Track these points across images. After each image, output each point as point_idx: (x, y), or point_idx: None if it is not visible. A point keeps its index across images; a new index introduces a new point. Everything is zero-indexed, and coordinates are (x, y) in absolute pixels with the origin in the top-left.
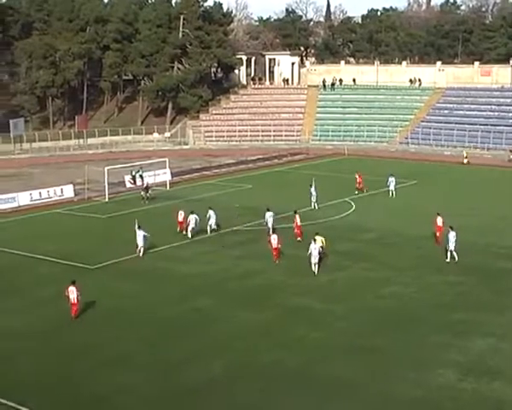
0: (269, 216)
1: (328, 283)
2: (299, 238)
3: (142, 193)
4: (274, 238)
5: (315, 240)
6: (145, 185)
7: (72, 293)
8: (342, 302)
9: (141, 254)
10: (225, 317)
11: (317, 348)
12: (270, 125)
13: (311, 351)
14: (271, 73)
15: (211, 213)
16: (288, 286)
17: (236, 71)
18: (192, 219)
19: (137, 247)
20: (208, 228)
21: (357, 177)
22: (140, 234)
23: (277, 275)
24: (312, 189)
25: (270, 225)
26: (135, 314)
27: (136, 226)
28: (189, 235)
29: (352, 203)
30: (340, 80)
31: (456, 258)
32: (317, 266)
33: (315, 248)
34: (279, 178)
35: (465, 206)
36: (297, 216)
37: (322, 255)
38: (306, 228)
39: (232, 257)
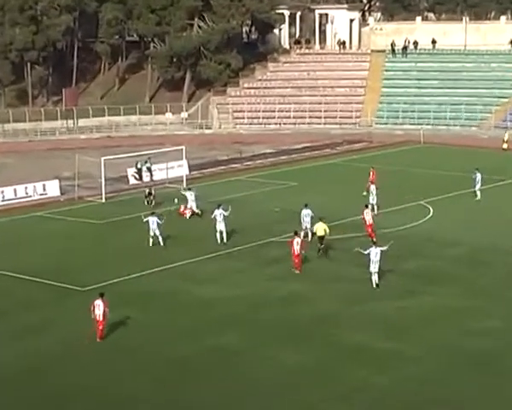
0: (305, 215)
1: (395, 313)
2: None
3: (147, 200)
4: (297, 242)
5: (375, 243)
6: (148, 191)
7: (99, 308)
8: (415, 340)
9: (161, 243)
10: (258, 358)
11: (382, 401)
12: (320, 104)
13: (376, 404)
14: (322, 33)
15: (216, 214)
16: (343, 317)
17: (276, 31)
18: (152, 222)
19: (151, 238)
20: (217, 235)
21: (370, 173)
22: (153, 221)
23: (328, 302)
24: (373, 187)
25: (308, 225)
26: (137, 353)
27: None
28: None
29: (430, 207)
30: (415, 43)
31: None
32: (376, 275)
33: (376, 254)
34: (332, 173)
35: None
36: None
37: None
38: (366, 239)
39: (268, 277)
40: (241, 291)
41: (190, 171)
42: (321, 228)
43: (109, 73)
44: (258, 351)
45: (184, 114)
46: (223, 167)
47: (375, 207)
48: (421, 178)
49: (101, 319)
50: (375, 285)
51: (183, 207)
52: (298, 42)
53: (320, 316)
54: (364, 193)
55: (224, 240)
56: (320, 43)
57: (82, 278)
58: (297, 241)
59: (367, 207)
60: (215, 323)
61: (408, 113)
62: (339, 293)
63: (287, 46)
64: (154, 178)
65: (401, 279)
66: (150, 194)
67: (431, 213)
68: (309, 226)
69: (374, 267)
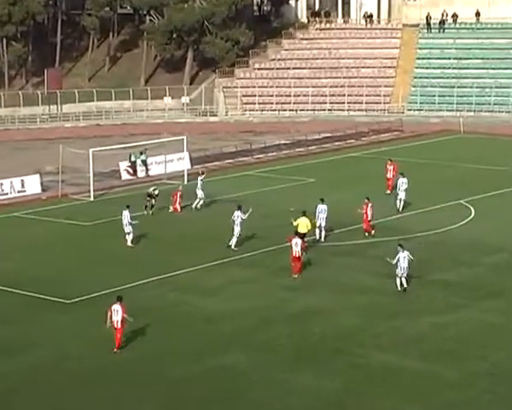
0: (321, 210)
1: (431, 330)
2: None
3: (147, 203)
4: (296, 243)
5: (402, 247)
6: (149, 192)
7: (116, 314)
8: (452, 362)
9: (128, 242)
10: (268, 381)
11: None
12: (343, 87)
13: None
14: (346, 4)
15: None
16: (368, 334)
17: (292, 2)
18: (123, 216)
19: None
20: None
21: (388, 167)
22: (125, 215)
23: (350, 316)
24: (402, 180)
25: (322, 223)
26: (132, 375)
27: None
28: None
29: (471, 207)
30: (455, 16)
31: None
32: (403, 280)
33: (404, 258)
34: (356, 167)
35: None
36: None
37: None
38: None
39: (281, 288)
40: (251, 304)
41: (192, 164)
42: (303, 224)
43: (98, 51)
44: (268, 373)
45: (185, 99)
46: (230, 161)
47: (401, 205)
48: (460, 173)
49: (119, 326)
50: (399, 287)
51: (176, 200)
52: (317, 15)
53: (341, 333)
54: (388, 192)
55: (233, 245)
56: (343, 16)
57: (67, 288)
58: (295, 241)
59: (368, 199)
60: (220, 340)
61: (445, 97)
62: (363, 306)
63: (304, 20)
64: (151, 172)
65: (436, 291)
66: (151, 196)
67: (472, 215)
68: (323, 224)
69: (401, 272)
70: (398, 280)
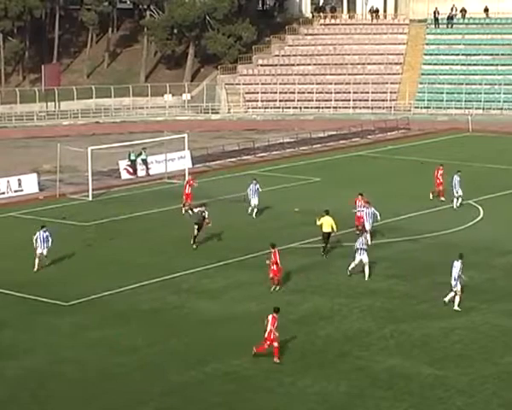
0: (367, 214)
1: (440, 333)
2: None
3: (189, 211)
4: (273, 253)
5: (461, 256)
6: (188, 206)
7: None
8: (462, 367)
9: (35, 267)
10: (272, 386)
11: None
12: (348, 84)
13: None
14: None
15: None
16: (375, 338)
17: None
18: (40, 237)
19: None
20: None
21: (437, 172)
22: (40, 236)
23: (356, 319)
24: (455, 177)
25: (368, 226)
26: (131, 381)
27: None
28: (36, 268)
29: (479, 208)
30: (463, 11)
31: None
32: (453, 294)
33: (458, 269)
34: (362, 166)
35: None
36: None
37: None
38: (403, 245)
39: (286, 291)
40: (254, 307)
41: (194, 163)
42: (327, 223)
43: (97, 46)
44: (272, 377)
45: (186, 96)
46: (232, 159)
47: (458, 201)
48: (469, 172)
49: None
50: (447, 300)
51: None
52: (322, 10)
53: (347, 337)
54: (431, 196)
55: (254, 215)
56: (348, 11)
57: (65, 290)
58: (274, 251)
59: (362, 195)
60: (223, 344)
61: (454, 95)
62: (369, 309)
63: (308, 15)
64: (151, 171)
65: (444, 294)
66: (192, 210)
67: (481, 215)
68: (369, 228)
69: (454, 284)
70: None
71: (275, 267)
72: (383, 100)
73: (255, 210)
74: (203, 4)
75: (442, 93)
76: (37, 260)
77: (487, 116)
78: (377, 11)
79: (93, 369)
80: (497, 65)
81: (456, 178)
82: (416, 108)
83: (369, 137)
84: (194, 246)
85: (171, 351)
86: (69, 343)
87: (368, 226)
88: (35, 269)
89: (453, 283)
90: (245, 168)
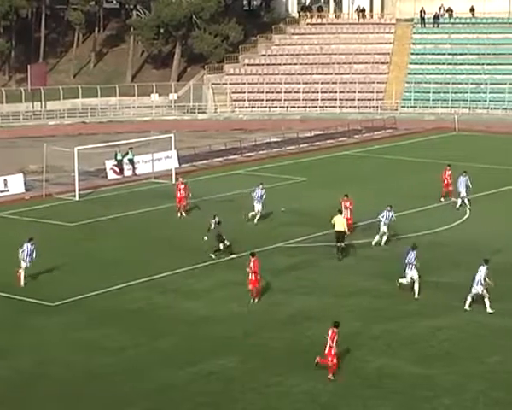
0: (387, 217)
1: (428, 333)
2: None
3: (221, 245)
4: (253, 262)
5: (486, 261)
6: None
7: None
8: (450, 365)
9: (22, 282)
10: (260, 386)
11: None
12: (335, 83)
13: None
14: None
15: None
16: (363, 337)
17: None
18: (27, 250)
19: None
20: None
21: (445, 173)
22: (28, 249)
23: (345, 319)
24: (462, 178)
25: (383, 229)
26: (118, 381)
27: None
28: (22, 282)
29: (467, 207)
30: (449, 10)
31: None
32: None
33: (484, 273)
34: (349, 166)
35: None
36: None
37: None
38: (390, 244)
39: (274, 291)
40: (242, 307)
41: (180, 163)
42: (340, 222)
43: (83, 46)
44: (260, 377)
45: (173, 96)
46: (219, 159)
47: (464, 201)
48: (455, 172)
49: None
50: (467, 306)
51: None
52: (308, 9)
53: None
54: (442, 199)
55: (255, 221)
56: (335, 10)
57: (51, 291)
58: (253, 260)
59: (347, 196)
60: (210, 344)
61: (440, 94)
62: (358, 309)
63: (295, 14)
64: (138, 171)
65: (432, 293)
66: (220, 237)
67: (467, 214)
68: (384, 230)
69: (476, 288)
70: (468, 300)
71: (253, 277)
72: (370, 99)
73: (258, 216)
74: (190, 4)
75: (428, 92)
76: (23, 274)
77: (473, 115)
78: (364, 11)
79: (79, 369)
80: (483, 64)
81: (463, 179)
82: (402, 107)
83: (356, 136)
84: (213, 256)
85: (158, 351)
86: (56, 344)
87: (385, 229)
88: (22, 284)
89: (476, 287)
90: (232, 168)
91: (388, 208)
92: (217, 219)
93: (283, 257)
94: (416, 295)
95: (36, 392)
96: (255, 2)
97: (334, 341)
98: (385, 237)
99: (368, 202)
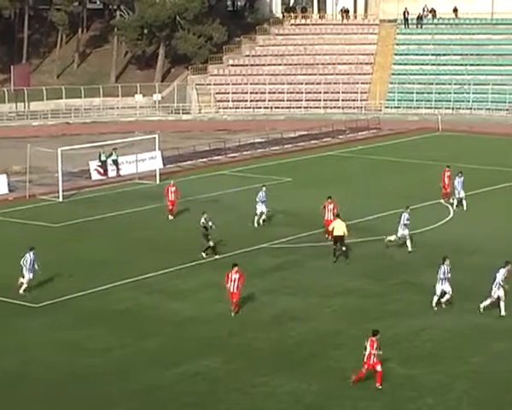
0: (406, 219)
1: (411, 332)
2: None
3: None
4: (234, 279)
5: (507, 263)
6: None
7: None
8: (434, 365)
9: (21, 289)
10: (244, 386)
11: None
12: (319, 84)
13: None
14: None
15: None
16: (347, 337)
17: None
18: (30, 259)
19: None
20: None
21: (444, 174)
22: (30, 257)
23: (328, 319)
24: (458, 180)
25: (404, 232)
26: (103, 382)
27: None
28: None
29: (449, 207)
30: (433, 11)
31: None
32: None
33: (502, 275)
34: (333, 166)
35: None
36: None
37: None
38: (374, 245)
39: (258, 291)
40: (225, 308)
41: (164, 164)
42: (339, 227)
43: (67, 47)
44: (244, 378)
45: (157, 97)
46: (203, 160)
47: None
48: (439, 172)
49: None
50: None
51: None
52: (292, 10)
53: (319, 337)
54: (450, 200)
55: (260, 221)
56: (319, 11)
57: (35, 292)
58: (234, 270)
59: (330, 198)
60: (195, 345)
61: (424, 95)
62: (341, 309)
63: (279, 15)
64: (122, 172)
65: (416, 294)
66: (206, 228)
67: (451, 215)
68: (404, 233)
69: (496, 291)
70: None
71: (235, 289)
72: (354, 100)
73: (263, 217)
74: (173, 4)
75: (412, 93)
76: (25, 286)
77: (457, 116)
78: (347, 11)
79: (64, 370)
80: (466, 65)
81: (459, 180)
82: (386, 107)
83: (340, 137)
84: (204, 255)
85: (144, 352)
86: (41, 345)
87: (405, 232)
88: (21, 292)
89: (496, 290)
90: (216, 168)
91: (405, 209)
92: (206, 215)
93: (268, 258)
94: (503, 312)
95: (20, 392)
96: (239, 3)
97: (375, 348)
98: (408, 241)
99: (352, 203)
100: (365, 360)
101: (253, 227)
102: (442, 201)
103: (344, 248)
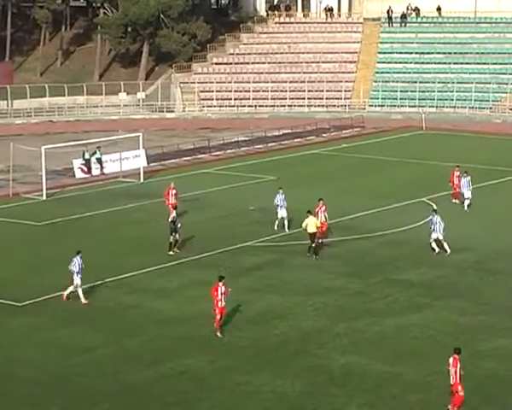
0: (435, 222)
1: (395, 331)
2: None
3: (171, 238)
4: (221, 286)
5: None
6: (171, 219)
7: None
8: (417, 363)
9: (82, 299)
10: (229, 384)
11: None
12: (303, 82)
13: None
14: None
15: None
16: (330, 336)
17: None
18: (78, 263)
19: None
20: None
21: (454, 173)
22: (78, 261)
23: (311, 317)
24: (464, 180)
25: (437, 233)
26: (85, 381)
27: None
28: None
29: (434, 206)
30: (417, 9)
31: None
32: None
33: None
34: (318, 164)
35: None
36: None
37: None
38: (356, 243)
39: (241, 290)
40: (209, 306)
41: (149, 162)
42: (312, 223)
43: (50, 44)
44: (228, 376)
45: (141, 95)
46: (187, 158)
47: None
48: (422, 170)
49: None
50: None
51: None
52: (276, 8)
53: (302, 335)
54: (454, 200)
55: (286, 229)
56: (303, 9)
57: (18, 290)
58: (221, 284)
59: (322, 200)
60: (178, 343)
61: (407, 93)
62: (323, 307)
63: (263, 13)
64: (106, 170)
65: (399, 291)
66: (174, 223)
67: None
68: (441, 237)
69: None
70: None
71: (223, 304)
72: (338, 98)
73: (285, 222)
74: (157, 2)
75: (396, 91)
76: (79, 291)
77: (440, 114)
78: (331, 10)
79: (46, 369)
80: (449, 63)
81: (465, 180)
82: (370, 106)
83: (324, 135)
84: (171, 252)
85: (126, 351)
86: (22, 344)
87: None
88: (84, 301)
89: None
90: (200, 167)
91: (434, 213)
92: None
93: (251, 256)
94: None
95: (1, 391)
96: (223, 1)
97: (459, 367)
98: (445, 244)
99: (335, 201)
100: (453, 382)
101: (236, 226)
102: (454, 200)
103: (314, 245)
